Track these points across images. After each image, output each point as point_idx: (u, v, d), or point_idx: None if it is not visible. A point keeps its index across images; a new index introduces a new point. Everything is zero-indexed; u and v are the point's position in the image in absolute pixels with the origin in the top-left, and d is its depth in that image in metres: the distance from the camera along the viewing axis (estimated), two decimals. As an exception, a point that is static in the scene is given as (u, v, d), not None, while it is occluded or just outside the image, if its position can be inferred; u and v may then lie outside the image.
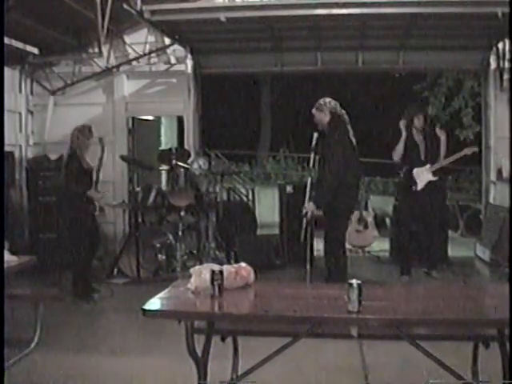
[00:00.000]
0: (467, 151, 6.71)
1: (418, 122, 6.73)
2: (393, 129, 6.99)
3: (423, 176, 6.69)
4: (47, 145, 8.55)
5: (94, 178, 6.40)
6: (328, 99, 5.96)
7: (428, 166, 6.69)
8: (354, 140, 5.95)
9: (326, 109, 5.89)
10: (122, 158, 7.00)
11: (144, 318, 3.04)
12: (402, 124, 6.79)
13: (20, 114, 8.67)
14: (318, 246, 6.75)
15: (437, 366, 3.18)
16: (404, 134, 6.72)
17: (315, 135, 5.84)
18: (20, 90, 8.66)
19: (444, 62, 8.76)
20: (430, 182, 6.67)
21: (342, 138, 5.87)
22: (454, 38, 8.02)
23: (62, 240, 7.21)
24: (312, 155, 5.80)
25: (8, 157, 8.08)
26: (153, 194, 7.43)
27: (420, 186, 6.69)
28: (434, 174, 6.67)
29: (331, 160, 5.78)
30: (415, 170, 6.71)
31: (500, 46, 8.07)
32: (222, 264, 3.47)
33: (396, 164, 6.94)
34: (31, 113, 8.82)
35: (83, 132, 6.35)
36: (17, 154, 8.55)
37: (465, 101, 15.08)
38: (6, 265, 4.08)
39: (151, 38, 8.63)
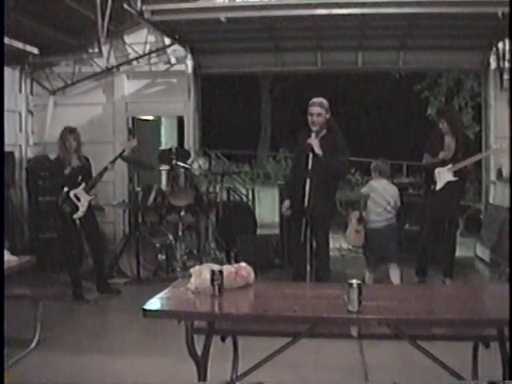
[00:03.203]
0: (490, 152, 6.50)
1: (442, 126, 6.63)
2: (392, 129, 6.95)
3: (444, 176, 6.55)
4: (47, 145, 8.53)
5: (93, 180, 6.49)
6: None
7: (450, 165, 6.47)
8: None
9: (327, 107, 5.85)
10: (122, 158, 6.99)
11: (144, 318, 3.05)
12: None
13: (20, 114, 8.66)
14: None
15: (437, 365, 3.19)
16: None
17: (313, 135, 5.71)
18: (20, 90, 8.66)
19: (444, 62, 8.76)
20: (449, 183, 6.48)
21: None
22: (454, 38, 8.01)
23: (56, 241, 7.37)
24: (311, 156, 5.64)
25: (8, 157, 8.08)
26: (153, 194, 7.43)
27: (439, 185, 6.53)
28: (455, 174, 6.47)
29: (345, 158, 5.90)
30: (437, 170, 6.58)
31: (500, 45, 8.07)
32: (221, 264, 3.48)
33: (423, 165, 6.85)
34: (31, 113, 8.81)
35: (62, 134, 6.47)
36: (17, 154, 8.55)
37: (465, 101, 15.09)
38: (6, 265, 4.08)
39: (151, 38, 8.62)
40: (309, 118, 5.77)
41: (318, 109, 5.74)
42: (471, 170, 6.63)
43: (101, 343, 5.02)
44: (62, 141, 6.42)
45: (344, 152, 5.91)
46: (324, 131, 5.80)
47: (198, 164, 8.00)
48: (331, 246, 8.62)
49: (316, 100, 5.81)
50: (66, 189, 6.33)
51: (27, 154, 8.70)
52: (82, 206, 6.36)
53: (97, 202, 6.91)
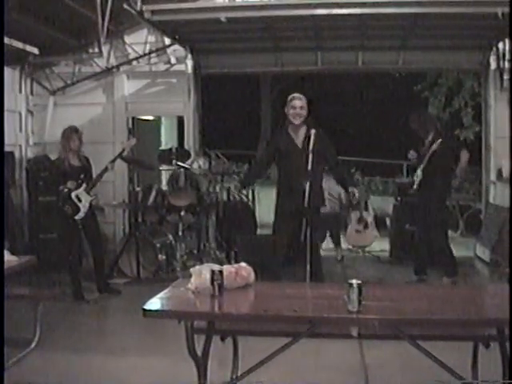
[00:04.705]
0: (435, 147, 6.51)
1: (412, 124, 6.77)
2: (392, 129, 7.00)
3: (418, 176, 6.63)
4: (47, 145, 8.53)
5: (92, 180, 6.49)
6: None
7: (422, 165, 6.57)
8: None
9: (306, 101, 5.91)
10: (122, 157, 6.99)
11: (144, 318, 3.05)
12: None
13: (20, 114, 8.65)
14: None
15: (437, 365, 3.19)
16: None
17: (313, 133, 5.74)
18: (20, 90, 8.65)
19: (444, 62, 8.75)
20: (424, 182, 6.54)
21: None
22: (454, 38, 8.01)
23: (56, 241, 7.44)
24: (311, 156, 5.63)
25: (8, 157, 8.07)
26: (153, 194, 7.42)
27: (415, 184, 6.63)
28: (423, 173, 6.52)
29: (334, 154, 5.99)
30: (417, 170, 6.66)
31: (500, 46, 8.07)
32: (221, 264, 3.47)
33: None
34: (31, 113, 8.80)
35: (64, 134, 6.47)
36: (17, 154, 8.54)
37: (465, 101, 15.10)
38: (6, 265, 4.08)
39: (151, 38, 8.62)
40: (291, 111, 5.92)
41: (300, 102, 5.93)
42: (436, 170, 6.62)
43: (101, 343, 5.02)
44: (66, 140, 6.40)
45: (335, 157, 6.06)
46: (313, 131, 5.71)
47: (198, 164, 7.99)
48: (330, 246, 8.67)
49: (296, 94, 6.02)
50: (67, 189, 6.33)
51: (27, 154, 8.68)
52: (84, 207, 6.36)
53: (97, 202, 6.91)
